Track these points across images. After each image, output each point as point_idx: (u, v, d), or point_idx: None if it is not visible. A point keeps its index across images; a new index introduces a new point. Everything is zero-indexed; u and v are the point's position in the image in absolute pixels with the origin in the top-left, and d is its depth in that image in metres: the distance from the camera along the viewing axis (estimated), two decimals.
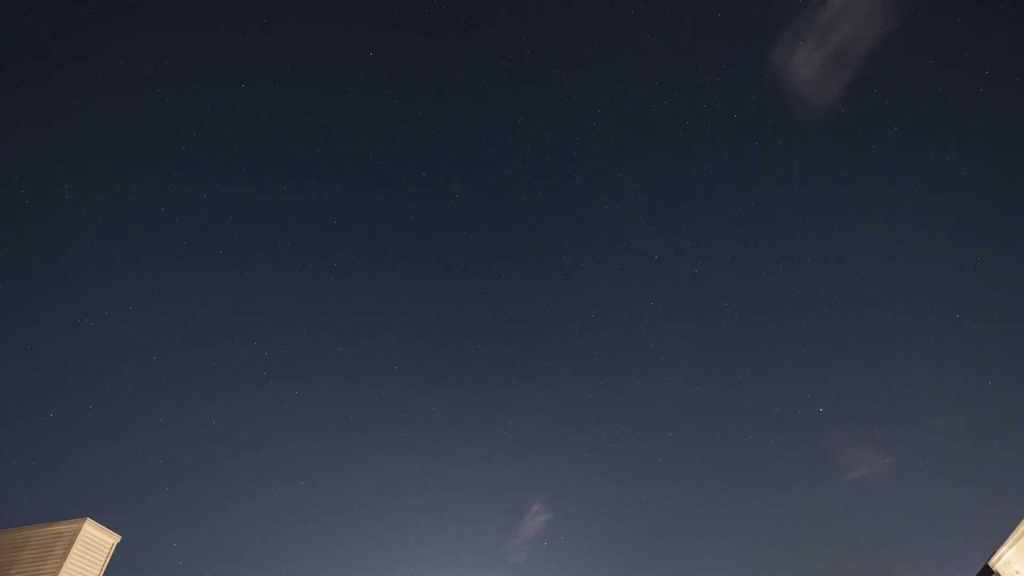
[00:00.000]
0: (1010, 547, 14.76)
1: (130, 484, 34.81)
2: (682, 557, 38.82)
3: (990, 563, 15.10)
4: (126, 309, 34.39)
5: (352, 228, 37.51)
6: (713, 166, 36.80)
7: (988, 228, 33.15)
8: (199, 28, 31.92)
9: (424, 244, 38.87)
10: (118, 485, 34.62)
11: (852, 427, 36.10)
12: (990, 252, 32.73)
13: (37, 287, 32.67)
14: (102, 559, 15.48)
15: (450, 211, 37.90)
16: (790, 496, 37.71)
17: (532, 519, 39.88)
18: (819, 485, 37.11)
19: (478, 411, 39.92)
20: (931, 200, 34.05)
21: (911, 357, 34.98)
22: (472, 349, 39.72)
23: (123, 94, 32.18)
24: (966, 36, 31.36)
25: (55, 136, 31.02)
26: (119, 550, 15.90)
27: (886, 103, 33.27)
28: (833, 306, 37.02)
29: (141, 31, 31.05)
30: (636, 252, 38.03)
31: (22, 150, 30.13)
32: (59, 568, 14.39)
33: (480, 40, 35.40)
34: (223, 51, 32.90)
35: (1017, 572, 14.56)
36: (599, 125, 36.39)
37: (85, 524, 15.09)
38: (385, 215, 37.54)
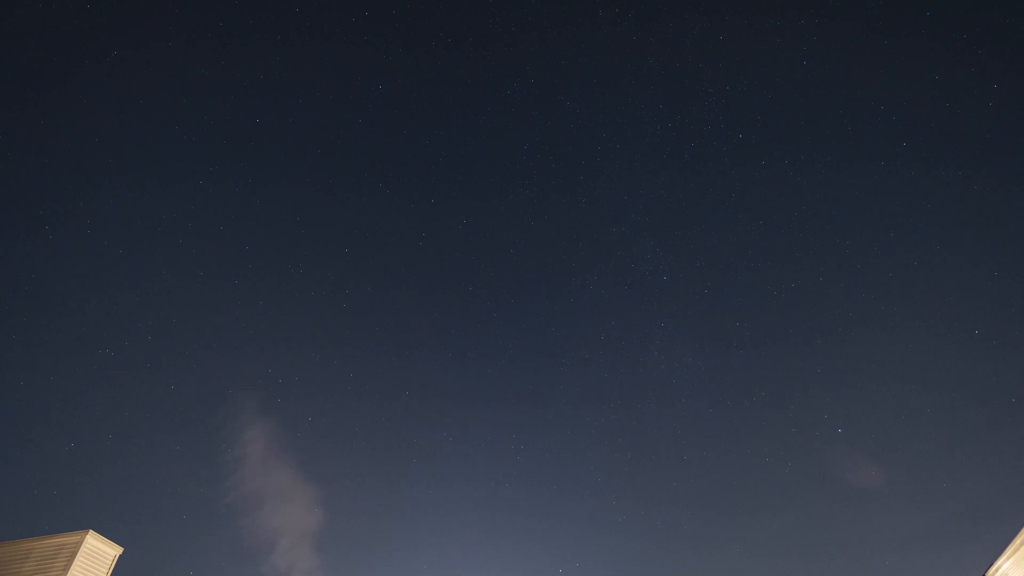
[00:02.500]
0: (1007, 559, 14.44)
1: (134, 496, 35.49)
2: None
3: (987, 575, 14.78)
4: (145, 339, 35.40)
5: (363, 256, 38.33)
6: (720, 186, 36.95)
7: (1006, 243, 32.70)
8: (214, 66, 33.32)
9: (433, 269, 39.49)
10: (121, 497, 35.30)
11: (863, 444, 35.42)
12: (1008, 267, 32.24)
13: (61, 318, 33.87)
14: (104, 571, 15.94)
15: (459, 236, 38.55)
16: (801, 512, 36.98)
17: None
18: (825, 499, 36.45)
19: (488, 436, 39.95)
20: (945, 216, 33.73)
21: (927, 374, 34.38)
22: (482, 373, 39.95)
23: (135, 133, 33.50)
24: (972, 49, 31.36)
25: (70, 167, 32.32)
26: (121, 562, 16.36)
27: (894, 118, 33.27)
28: (848, 324, 36.58)
29: (157, 44, 32.35)
30: (644, 274, 38.14)
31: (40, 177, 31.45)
32: None
33: (484, 70, 36.35)
34: (237, 86, 34.25)
35: None
36: (604, 148, 36.90)
37: (88, 536, 15.58)
38: (395, 242, 38.33)
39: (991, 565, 14.73)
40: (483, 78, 36.31)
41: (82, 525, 15.65)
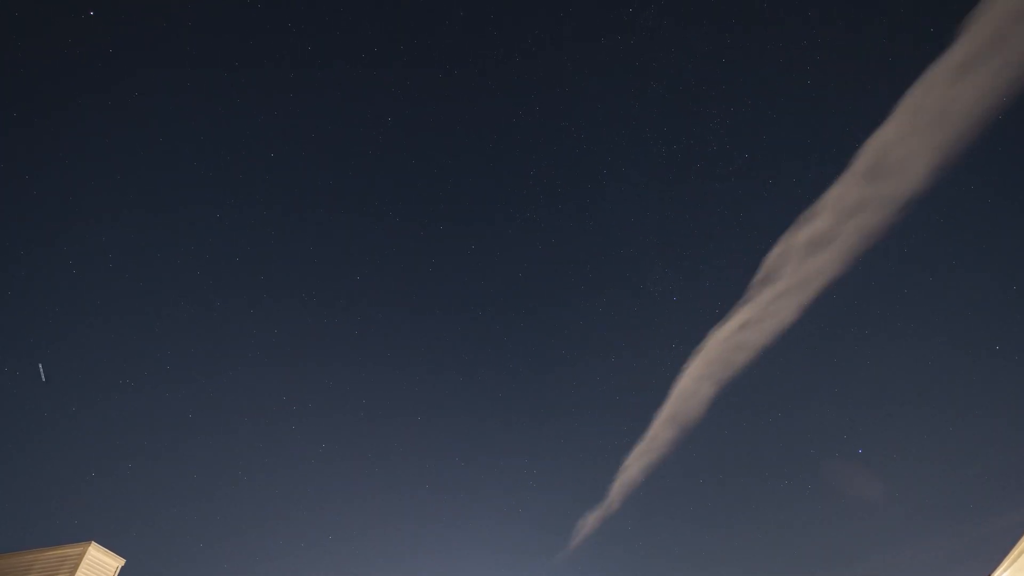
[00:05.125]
0: (1005, 570, 14.09)
1: (137, 508, 36.09)
2: None
3: None
4: (164, 369, 36.29)
5: (375, 283, 38.96)
6: (727, 206, 37.01)
7: None
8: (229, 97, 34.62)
9: (443, 295, 39.96)
10: (124, 509, 35.92)
11: (883, 463, 34.74)
12: None
13: (82, 349, 34.99)
14: None
15: (467, 262, 39.03)
16: (820, 534, 36.29)
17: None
18: (846, 520, 35.86)
19: (501, 464, 39.97)
20: (960, 229, 33.34)
21: (946, 391, 33.74)
22: (493, 398, 40.09)
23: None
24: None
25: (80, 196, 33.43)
26: (123, 573, 16.70)
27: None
28: (864, 341, 36.08)
29: (170, 67, 33.51)
30: (653, 295, 38.13)
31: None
32: None
33: (489, 100, 37.16)
34: (252, 121, 35.49)
35: None
36: (610, 172, 37.28)
37: (90, 548, 15.91)
38: (405, 269, 38.97)
39: (990, 574, 14.36)
40: (488, 108, 37.14)
41: (85, 536, 16.10)
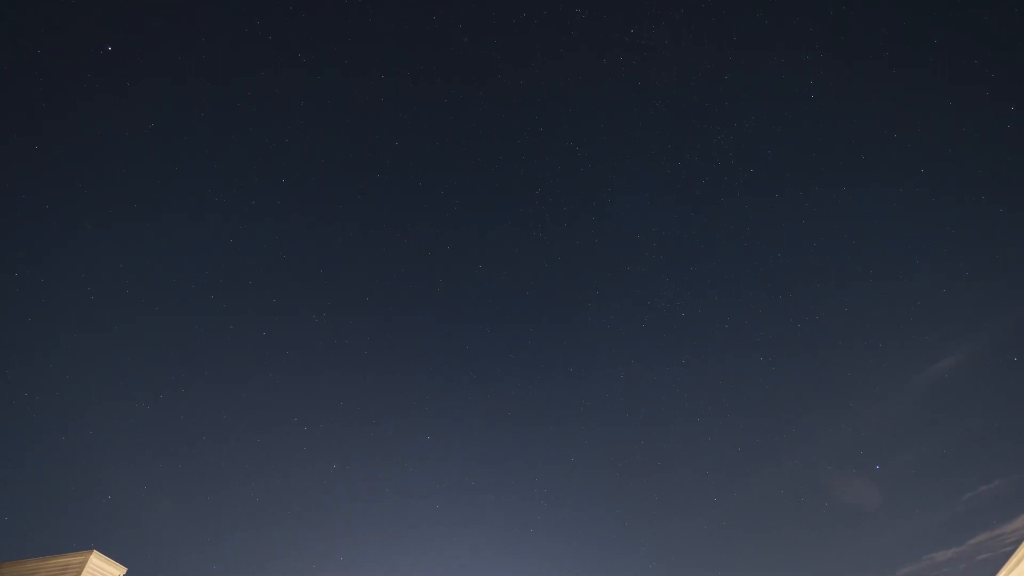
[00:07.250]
0: (1007, 574, 13.82)
1: (139, 517, 36.19)
2: None
3: None
4: (178, 391, 36.65)
5: (384, 305, 39.20)
6: (734, 220, 37.00)
7: None
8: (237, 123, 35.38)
9: (451, 314, 40.12)
10: (126, 517, 36.05)
11: (900, 479, 34.18)
12: None
13: (99, 376, 35.56)
14: None
15: (474, 280, 39.26)
16: (835, 556, 35.56)
17: None
18: (865, 538, 35.26)
19: (508, 485, 39.79)
20: (971, 240, 33.08)
21: (961, 403, 33.22)
22: (501, 414, 39.99)
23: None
24: (984, 73, 31.19)
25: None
26: None
27: (909, 146, 33.07)
28: (877, 355, 35.65)
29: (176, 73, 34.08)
30: (661, 310, 38.03)
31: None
32: None
33: (496, 122, 37.58)
34: (263, 151, 36.10)
35: None
36: (615, 189, 37.51)
37: (92, 556, 16.02)
38: (415, 287, 39.22)
39: None
40: (494, 126, 37.55)
41: (87, 545, 16.28)
